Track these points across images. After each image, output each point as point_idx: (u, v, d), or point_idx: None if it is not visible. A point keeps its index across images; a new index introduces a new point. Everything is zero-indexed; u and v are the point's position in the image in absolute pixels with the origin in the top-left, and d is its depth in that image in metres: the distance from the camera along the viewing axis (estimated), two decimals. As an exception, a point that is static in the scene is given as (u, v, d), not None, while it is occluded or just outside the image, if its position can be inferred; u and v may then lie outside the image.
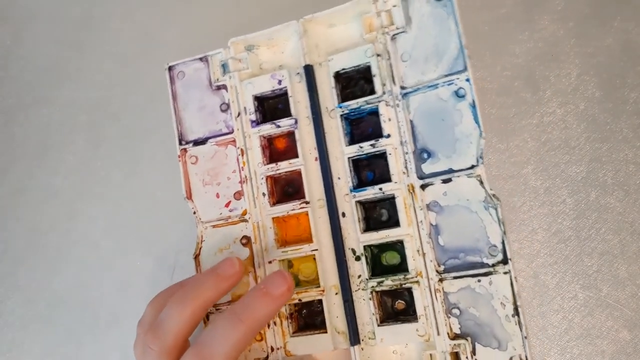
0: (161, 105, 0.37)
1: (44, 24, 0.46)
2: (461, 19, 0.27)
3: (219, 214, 0.30)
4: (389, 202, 0.28)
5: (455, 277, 0.25)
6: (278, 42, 0.30)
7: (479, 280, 0.25)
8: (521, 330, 0.24)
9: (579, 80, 0.33)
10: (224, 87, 0.31)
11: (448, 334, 0.25)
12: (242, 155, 0.29)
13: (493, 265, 0.25)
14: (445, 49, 0.26)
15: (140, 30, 0.43)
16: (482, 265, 0.25)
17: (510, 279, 0.25)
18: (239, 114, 0.30)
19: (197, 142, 0.31)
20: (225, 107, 0.30)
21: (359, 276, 0.27)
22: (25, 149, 0.44)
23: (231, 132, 0.30)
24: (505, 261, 0.25)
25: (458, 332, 0.25)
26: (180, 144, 0.32)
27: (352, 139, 0.29)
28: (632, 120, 0.32)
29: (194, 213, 0.31)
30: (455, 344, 0.25)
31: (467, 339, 0.25)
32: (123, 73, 0.43)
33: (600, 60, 0.33)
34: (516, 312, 0.25)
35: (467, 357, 0.24)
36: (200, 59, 0.32)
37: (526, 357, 0.24)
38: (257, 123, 0.29)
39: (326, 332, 0.26)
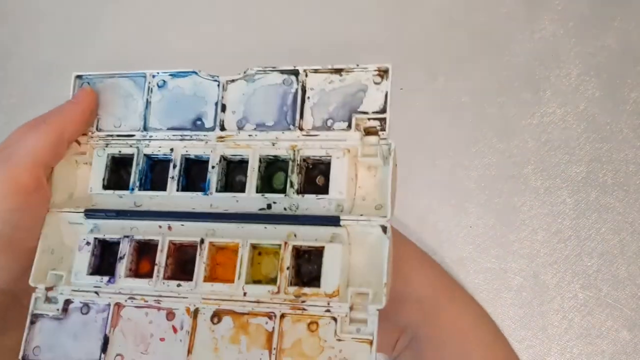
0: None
1: (44, 24, 0.46)
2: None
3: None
4: (231, 168, 0.28)
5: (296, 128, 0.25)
6: None
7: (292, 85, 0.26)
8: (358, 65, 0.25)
9: (579, 80, 0.33)
10: None
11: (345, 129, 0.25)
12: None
13: (294, 77, 0.25)
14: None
15: (141, 30, 0.43)
16: (291, 86, 0.25)
17: (306, 73, 0.25)
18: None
19: None
20: None
21: (285, 208, 0.26)
22: (25, 148, 0.44)
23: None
24: (295, 73, 0.25)
25: (346, 125, 0.25)
26: None
27: (153, 186, 0.28)
28: (632, 120, 0.32)
29: None
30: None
31: (350, 120, 0.24)
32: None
33: (600, 60, 0.33)
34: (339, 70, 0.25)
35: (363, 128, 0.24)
36: None
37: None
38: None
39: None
